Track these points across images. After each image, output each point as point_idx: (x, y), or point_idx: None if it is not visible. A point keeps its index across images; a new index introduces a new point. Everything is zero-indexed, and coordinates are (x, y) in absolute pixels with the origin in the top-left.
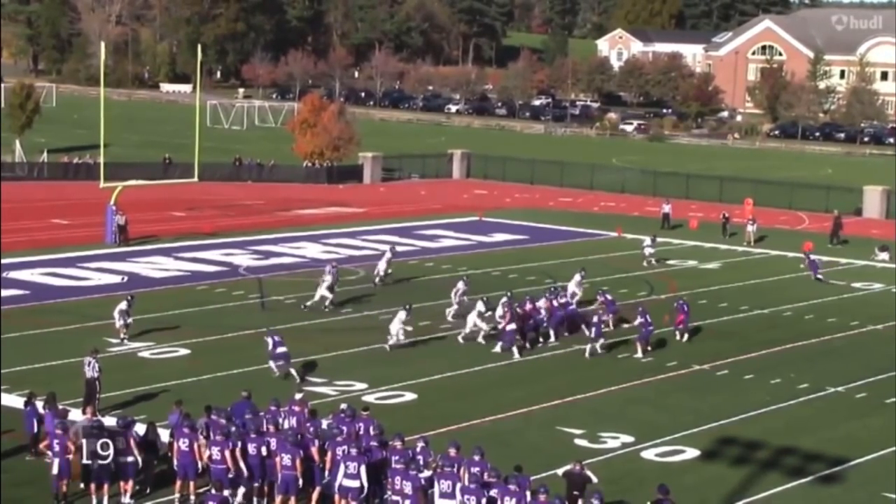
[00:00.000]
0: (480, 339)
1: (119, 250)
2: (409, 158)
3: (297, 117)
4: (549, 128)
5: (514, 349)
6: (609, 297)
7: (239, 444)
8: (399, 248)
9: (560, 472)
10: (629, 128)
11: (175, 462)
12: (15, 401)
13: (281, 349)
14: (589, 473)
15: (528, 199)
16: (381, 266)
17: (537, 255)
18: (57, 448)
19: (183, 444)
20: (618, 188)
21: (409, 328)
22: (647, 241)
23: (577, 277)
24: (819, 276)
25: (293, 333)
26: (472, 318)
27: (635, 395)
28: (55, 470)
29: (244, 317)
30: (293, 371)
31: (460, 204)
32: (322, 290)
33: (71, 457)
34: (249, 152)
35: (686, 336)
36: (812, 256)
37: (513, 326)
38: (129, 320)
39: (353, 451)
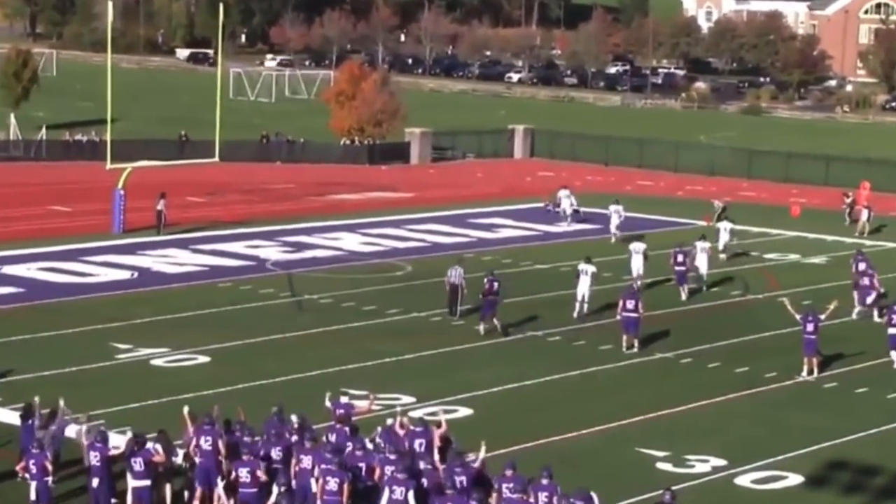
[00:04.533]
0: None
1: (123, 242)
2: (464, 135)
3: (334, 87)
4: (626, 99)
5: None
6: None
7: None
8: (451, 240)
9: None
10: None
11: (196, 466)
12: (9, 415)
13: None
14: None
15: (603, 182)
16: (615, 223)
17: (613, 248)
18: (34, 469)
19: (205, 442)
20: (707, 169)
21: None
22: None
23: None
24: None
25: (330, 337)
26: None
27: (727, 410)
28: (32, 496)
29: (273, 319)
30: None
31: (523, 188)
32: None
33: (51, 479)
34: (278, 128)
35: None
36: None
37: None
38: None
39: (400, 475)
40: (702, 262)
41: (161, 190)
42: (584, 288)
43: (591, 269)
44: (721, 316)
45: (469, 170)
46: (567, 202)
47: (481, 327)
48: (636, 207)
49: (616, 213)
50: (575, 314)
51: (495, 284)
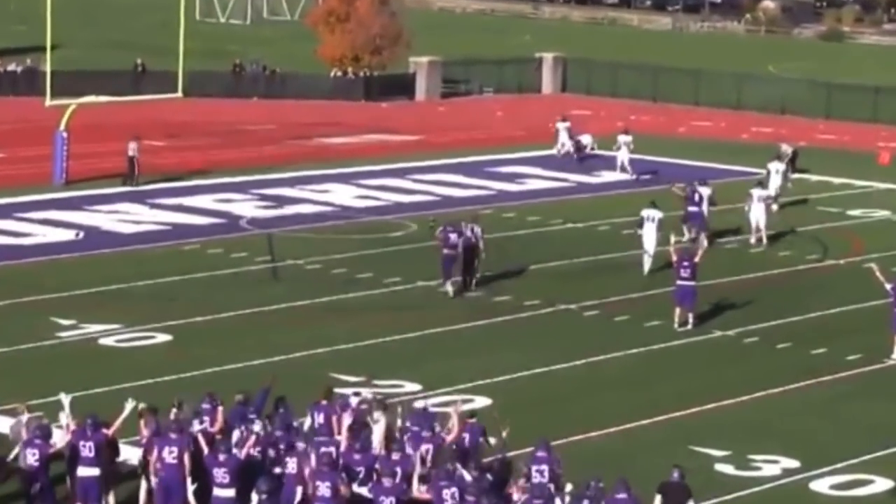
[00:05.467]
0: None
1: (66, 195)
2: (481, 65)
3: (323, 7)
4: (678, 22)
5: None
6: None
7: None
8: (465, 193)
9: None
10: None
11: (153, 479)
12: None
13: None
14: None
15: (651, 122)
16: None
17: (662, 202)
18: None
19: (170, 454)
20: (776, 107)
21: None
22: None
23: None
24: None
25: (318, 311)
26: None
27: (800, 400)
28: None
29: (248, 288)
30: None
31: (552, 130)
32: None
33: None
34: (255, 56)
35: None
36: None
37: None
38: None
39: (388, 482)
40: (758, 215)
41: (119, 131)
42: (651, 238)
43: (657, 214)
44: (794, 285)
45: (487, 107)
46: (566, 136)
47: (449, 288)
48: (690, 153)
49: (625, 146)
50: (645, 270)
51: (451, 237)
